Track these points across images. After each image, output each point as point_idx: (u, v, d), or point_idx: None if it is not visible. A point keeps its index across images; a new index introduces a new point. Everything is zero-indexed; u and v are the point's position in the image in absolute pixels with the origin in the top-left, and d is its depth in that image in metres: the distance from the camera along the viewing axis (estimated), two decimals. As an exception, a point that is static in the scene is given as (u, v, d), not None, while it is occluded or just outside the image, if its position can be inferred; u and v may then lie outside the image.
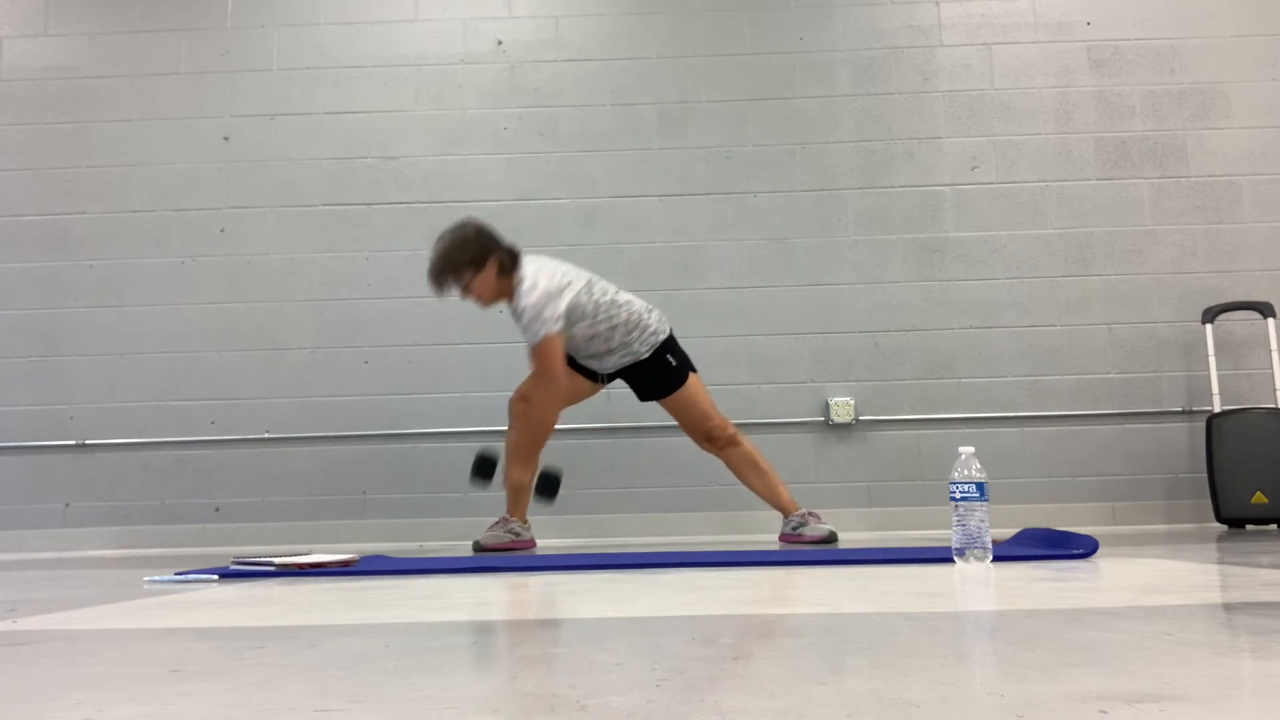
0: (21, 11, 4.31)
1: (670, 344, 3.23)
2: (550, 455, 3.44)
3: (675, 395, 3.21)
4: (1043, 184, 4.14)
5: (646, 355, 3.18)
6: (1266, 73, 4.17)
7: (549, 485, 3.20)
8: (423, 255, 4.14)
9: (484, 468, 3.20)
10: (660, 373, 3.21)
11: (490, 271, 3.09)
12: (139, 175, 4.22)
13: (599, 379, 3.30)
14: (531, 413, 3.16)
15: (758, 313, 4.09)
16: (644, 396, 3.30)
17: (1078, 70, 4.20)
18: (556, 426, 3.27)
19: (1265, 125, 4.14)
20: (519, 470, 3.21)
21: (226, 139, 4.24)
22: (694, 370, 3.25)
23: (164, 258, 4.18)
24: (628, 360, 3.19)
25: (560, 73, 4.24)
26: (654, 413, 4.01)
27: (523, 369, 4.04)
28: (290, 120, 4.24)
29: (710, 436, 3.24)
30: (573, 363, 3.26)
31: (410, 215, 4.18)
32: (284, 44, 4.28)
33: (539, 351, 3.07)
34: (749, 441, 3.29)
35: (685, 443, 4.02)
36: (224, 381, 4.11)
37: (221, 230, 4.19)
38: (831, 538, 3.13)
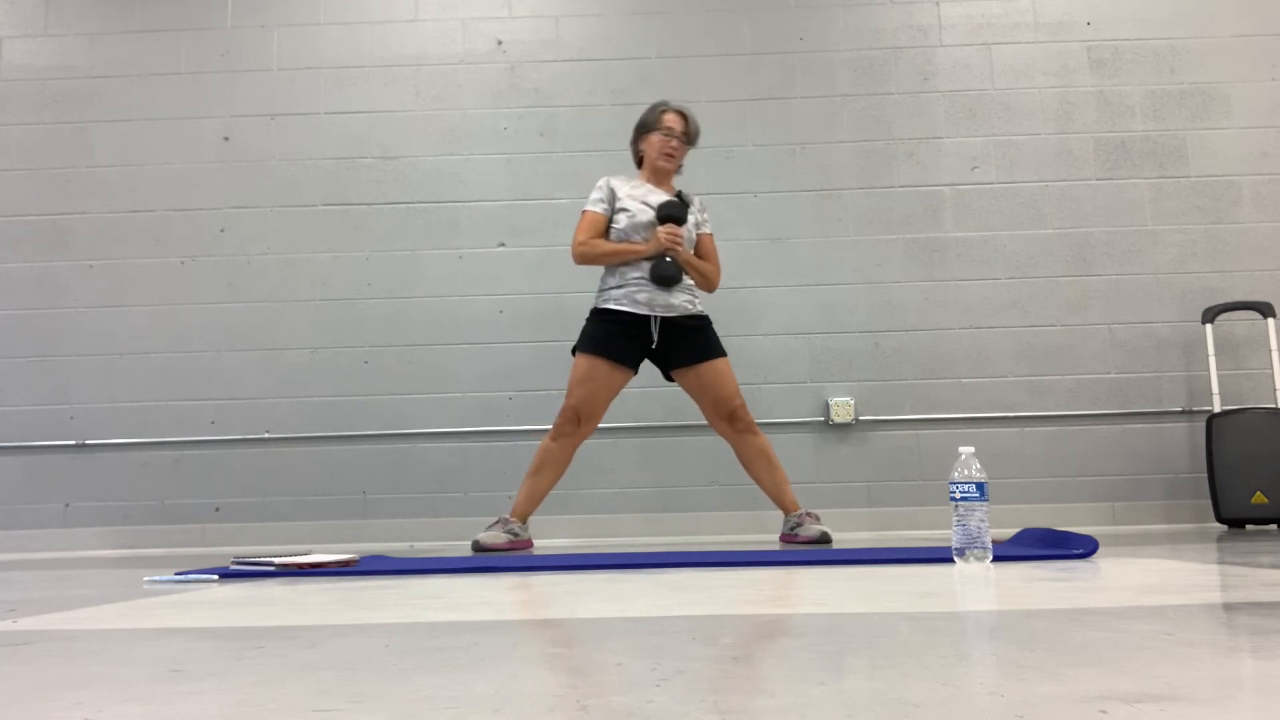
0: (21, 11, 4.31)
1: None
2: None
3: (715, 363, 3.27)
4: (1043, 184, 4.14)
5: (701, 310, 3.32)
6: (1266, 73, 4.17)
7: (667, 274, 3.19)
8: (423, 255, 4.16)
9: (667, 272, 3.19)
10: (710, 333, 3.30)
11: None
12: (139, 175, 4.22)
13: (635, 367, 3.30)
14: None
15: (758, 313, 4.09)
16: (684, 359, 3.27)
17: (1078, 70, 4.20)
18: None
19: (1265, 125, 4.14)
20: (536, 479, 3.23)
21: (226, 139, 4.24)
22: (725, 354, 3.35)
23: (164, 258, 4.18)
24: (688, 308, 3.27)
25: (560, 73, 4.24)
26: (653, 412, 4.01)
27: (522, 368, 4.05)
28: (290, 120, 4.24)
29: (734, 416, 3.26)
30: (618, 353, 3.25)
31: (410, 215, 4.18)
32: (284, 44, 4.28)
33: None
34: (764, 436, 3.30)
35: (685, 443, 4.03)
36: (224, 381, 4.12)
37: (221, 230, 4.19)
38: (823, 539, 3.13)
